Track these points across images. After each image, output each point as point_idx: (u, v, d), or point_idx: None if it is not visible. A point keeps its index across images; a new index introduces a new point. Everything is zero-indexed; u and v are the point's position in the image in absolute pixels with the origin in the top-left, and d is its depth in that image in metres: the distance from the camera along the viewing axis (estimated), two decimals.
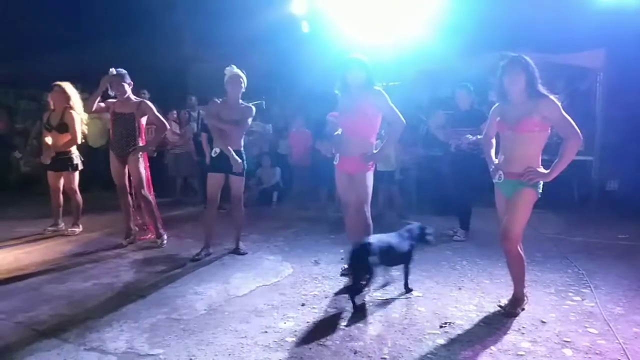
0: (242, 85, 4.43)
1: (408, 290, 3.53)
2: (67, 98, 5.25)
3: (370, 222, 3.77)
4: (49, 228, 5.39)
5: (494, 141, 3.38)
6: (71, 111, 5.25)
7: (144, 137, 4.95)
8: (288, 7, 8.35)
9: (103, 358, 2.56)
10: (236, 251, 4.59)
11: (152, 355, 2.59)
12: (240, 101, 4.48)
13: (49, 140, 5.29)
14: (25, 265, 4.23)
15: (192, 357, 2.56)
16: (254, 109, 4.56)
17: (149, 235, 5.09)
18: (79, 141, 5.36)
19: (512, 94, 3.07)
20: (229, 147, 4.35)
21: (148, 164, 5.03)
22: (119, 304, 3.32)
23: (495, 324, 2.98)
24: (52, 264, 4.27)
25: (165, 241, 4.93)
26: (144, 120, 4.89)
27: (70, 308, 3.26)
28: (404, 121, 3.68)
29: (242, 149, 4.53)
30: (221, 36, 9.01)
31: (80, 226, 5.48)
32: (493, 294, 3.51)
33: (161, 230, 4.96)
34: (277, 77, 9.20)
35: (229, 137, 4.41)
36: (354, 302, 3.20)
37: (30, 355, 2.59)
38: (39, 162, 5.53)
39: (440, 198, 6.31)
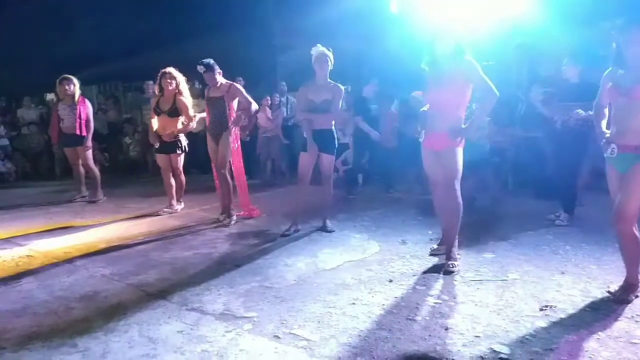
0: (329, 63, 4.43)
1: None
2: (177, 83, 5.53)
3: (461, 200, 3.51)
4: (165, 210, 5.65)
5: (606, 111, 3.06)
6: (181, 97, 5.52)
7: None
8: None
9: (203, 317, 2.73)
10: (323, 228, 4.65)
11: (247, 317, 2.72)
12: (329, 80, 4.50)
13: (155, 123, 5.61)
14: (134, 235, 4.64)
15: (284, 322, 2.65)
16: (343, 88, 4.56)
17: (243, 212, 5.33)
18: (194, 125, 5.66)
19: (629, 57, 2.76)
20: (314, 129, 4.43)
21: (239, 146, 5.24)
22: (217, 271, 3.53)
23: (604, 310, 2.73)
24: (157, 235, 4.66)
25: (233, 222, 5.01)
26: (234, 103, 5.12)
27: (173, 273, 3.53)
28: (497, 93, 3.35)
29: (333, 127, 4.56)
30: (309, 23, 9.11)
31: (182, 203, 5.89)
32: (601, 279, 3.20)
33: (232, 211, 5.11)
34: (366, 60, 9.10)
35: (318, 118, 4.45)
36: None
37: (140, 311, 2.84)
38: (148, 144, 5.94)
39: (541, 180, 5.88)
